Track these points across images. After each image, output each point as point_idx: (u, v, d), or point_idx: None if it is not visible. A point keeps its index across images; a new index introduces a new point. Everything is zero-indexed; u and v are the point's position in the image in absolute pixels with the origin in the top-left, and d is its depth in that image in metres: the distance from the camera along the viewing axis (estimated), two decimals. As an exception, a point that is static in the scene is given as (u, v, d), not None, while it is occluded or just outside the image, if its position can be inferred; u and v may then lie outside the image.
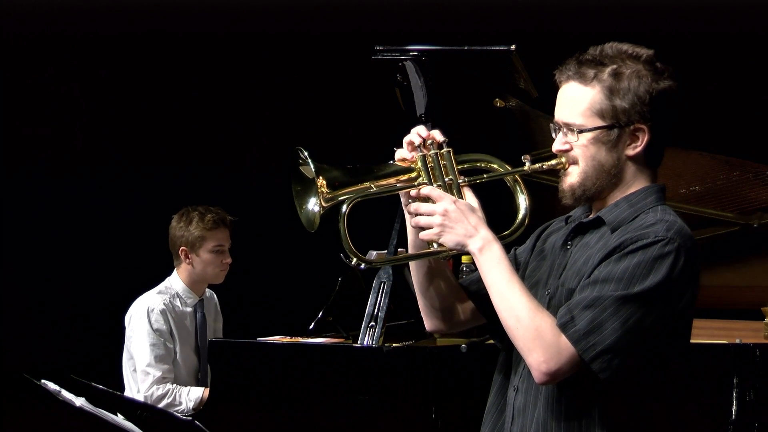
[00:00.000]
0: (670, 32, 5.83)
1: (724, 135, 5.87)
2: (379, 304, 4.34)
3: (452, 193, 2.68)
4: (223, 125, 6.69)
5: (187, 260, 5.15)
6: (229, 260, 5.19)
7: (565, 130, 2.69)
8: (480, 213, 2.66)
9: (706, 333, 4.73)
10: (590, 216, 2.74)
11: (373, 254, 4.29)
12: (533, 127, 4.71)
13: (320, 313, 4.73)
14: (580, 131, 2.66)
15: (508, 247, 2.73)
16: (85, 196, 6.68)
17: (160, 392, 4.98)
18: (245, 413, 4.42)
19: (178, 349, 5.09)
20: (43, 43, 6.52)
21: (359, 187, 2.67)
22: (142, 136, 6.66)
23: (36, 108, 6.62)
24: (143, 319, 5.04)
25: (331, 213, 2.66)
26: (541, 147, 3.73)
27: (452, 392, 4.20)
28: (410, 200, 2.71)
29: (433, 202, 2.65)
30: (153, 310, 5.06)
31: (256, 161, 6.54)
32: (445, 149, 2.70)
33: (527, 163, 2.73)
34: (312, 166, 2.65)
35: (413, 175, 2.70)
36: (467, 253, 2.65)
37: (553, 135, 2.72)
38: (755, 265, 5.04)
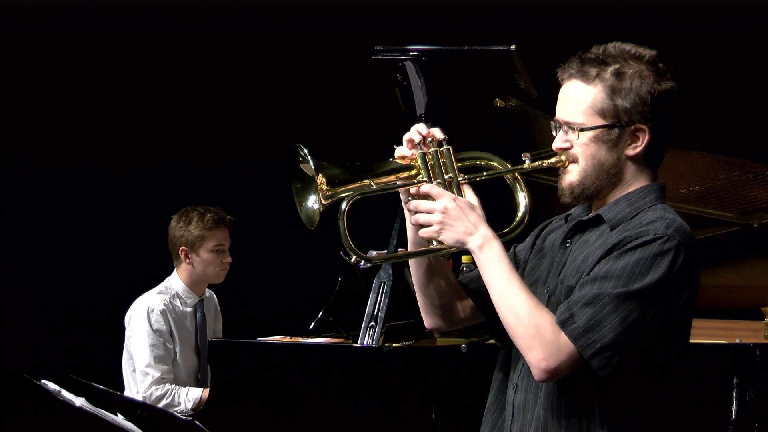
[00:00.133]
0: (670, 32, 5.83)
1: (724, 135, 5.87)
2: (379, 304, 4.34)
3: (452, 191, 2.68)
4: (223, 125, 6.69)
5: (187, 260, 5.15)
6: (229, 259, 5.19)
7: (565, 128, 2.69)
8: (480, 211, 2.66)
9: (706, 333, 4.73)
10: (590, 214, 2.74)
11: (373, 254, 4.28)
12: (533, 127, 4.71)
13: (320, 313, 4.73)
14: (581, 130, 2.66)
15: (507, 245, 2.73)
16: (85, 196, 6.68)
17: (159, 393, 4.98)
18: (245, 413, 4.42)
19: (178, 349, 5.09)
20: (43, 43, 6.52)
21: (359, 184, 2.67)
22: (142, 136, 6.66)
23: (36, 108, 6.63)
24: (143, 319, 5.04)
25: (331, 212, 2.66)
26: (541, 147, 3.72)
27: (452, 392, 4.20)
28: (410, 198, 2.71)
29: (433, 199, 2.65)
30: (153, 310, 5.06)
31: (256, 162, 6.54)
32: (445, 147, 2.70)
33: (527, 161, 2.73)
34: (312, 163, 2.65)
35: (413, 172, 2.70)
36: (467, 251, 2.65)
37: (554, 133, 2.73)
38: (755, 265, 5.04)
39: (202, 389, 5.00)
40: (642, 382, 2.59)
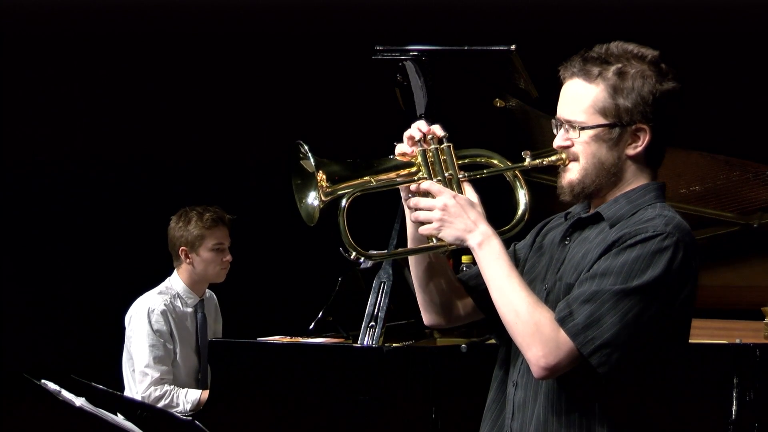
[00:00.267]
0: (670, 32, 5.83)
1: (724, 135, 5.87)
2: (379, 304, 4.34)
3: (452, 188, 2.68)
4: (224, 125, 6.69)
5: (188, 260, 5.15)
6: (229, 258, 5.19)
7: (566, 126, 2.70)
8: (479, 208, 2.66)
9: (706, 333, 4.73)
10: (589, 212, 2.74)
11: (372, 252, 4.28)
12: (533, 127, 4.71)
13: (320, 313, 4.73)
14: (582, 128, 2.67)
15: (507, 243, 2.73)
16: (85, 196, 6.68)
17: (157, 393, 4.98)
18: (245, 413, 4.42)
19: (178, 349, 5.09)
20: (43, 42, 6.52)
21: (359, 181, 2.67)
22: (142, 136, 6.66)
23: (36, 108, 6.62)
24: (143, 319, 5.04)
25: (331, 210, 2.66)
26: (541, 147, 3.73)
27: (452, 392, 4.20)
28: (410, 195, 2.71)
29: (433, 196, 2.65)
30: (153, 310, 5.06)
31: (257, 163, 6.54)
32: (445, 144, 2.70)
33: (527, 159, 2.74)
34: (312, 160, 2.65)
35: (413, 169, 2.70)
36: (467, 248, 2.65)
37: (555, 131, 2.73)
38: (755, 265, 5.04)
39: (201, 391, 5.00)
40: (642, 379, 2.59)
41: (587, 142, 2.67)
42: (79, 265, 6.71)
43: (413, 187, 2.70)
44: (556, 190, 2.73)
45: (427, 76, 4.40)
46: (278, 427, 4.37)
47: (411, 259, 2.81)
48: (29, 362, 6.48)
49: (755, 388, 4.25)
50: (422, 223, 2.66)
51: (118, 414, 3.77)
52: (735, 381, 4.25)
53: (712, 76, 5.91)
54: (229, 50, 6.55)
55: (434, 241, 2.67)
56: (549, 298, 2.66)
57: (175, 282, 5.18)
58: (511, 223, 2.75)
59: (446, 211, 2.63)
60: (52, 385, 3.72)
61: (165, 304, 5.08)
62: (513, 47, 4.40)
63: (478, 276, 2.71)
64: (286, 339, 4.65)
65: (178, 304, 5.14)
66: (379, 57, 4.42)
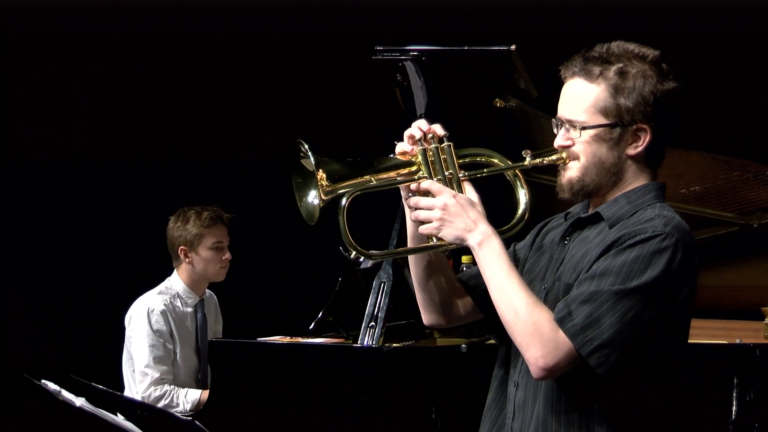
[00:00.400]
0: (670, 32, 5.82)
1: (724, 135, 5.87)
2: (379, 304, 4.34)
3: (452, 188, 2.67)
4: (224, 125, 6.69)
5: (187, 259, 5.15)
6: (228, 256, 5.19)
7: (567, 126, 2.69)
8: (480, 207, 2.66)
9: (706, 333, 4.73)
10: (589, 212, 2.74)
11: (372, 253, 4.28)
12: (533, 127, 4.71)
13: (320, 313, 4.73)
14: (583, 128, 2.67)
15: (507, 243, 2.73)
16: (85, 196, 6.68)
17: (157, 393, 4.97)
18: (245, 413, 4.42)
19: (178, 349, 5.08)
20: (43, 42, 6.53)
21: (359, 180, 2.67)
22: (142, 136, 6.66)
23: (36, 107, 6.62)
24: (143, 319, 5.04)
25: (331, 209, 2.66)
26: (541, 147, 3.72)
27: (452, 392, 4.20)
28: (410, 194, 2.71)
29: (433, 196, 2.65)
30: (153, 310, 5.06)
31: (257, 162, 6.54)
32: (445, 143, 2.70)
33: (528, 158, 2.73)
34: (312, 158, 2.65)
35: (413, 168, 2.70)
36: (467, 248, 2.65)
37: (555, 131, 2.73)
38: (755, 265, 5.04)
39: (200, 391, 5.00)
40: (641, 380, 2.59)
41: (588, 141, 2.67)
42: (79, 265, 6.71)
43: (413, 186, 2.69)
44: (556, 188, 2.73)
45: (427, 76, 4.40)
46: (278, 427, 4.37)
47: (411, 259, 2.80)
48: (29, 362, 6.48)
49: (755, 389, 4.24)
50: (422, 223, 2.66)
51: (118, 414, 3.77)
52: (735, 381, 4.24)
53: (712, 76, 5.91)
54: (228, 50, 6.56)
55: (434, 240, 2.67)
56: (548, 298, 2.66)
57: (175, 282, 5.18)
58: (511, 223, 2.75)
59: (446, 211, 2.63)
60: (52, 385, 3.72)
61: (165, 304, 5.08)
62: (513, 47, 4.40)
63: (478, 276, 2.71)
64: (286, 339, 4.65)
65: (178, 304, 5.14)
66: (379, 57, 4.42)
